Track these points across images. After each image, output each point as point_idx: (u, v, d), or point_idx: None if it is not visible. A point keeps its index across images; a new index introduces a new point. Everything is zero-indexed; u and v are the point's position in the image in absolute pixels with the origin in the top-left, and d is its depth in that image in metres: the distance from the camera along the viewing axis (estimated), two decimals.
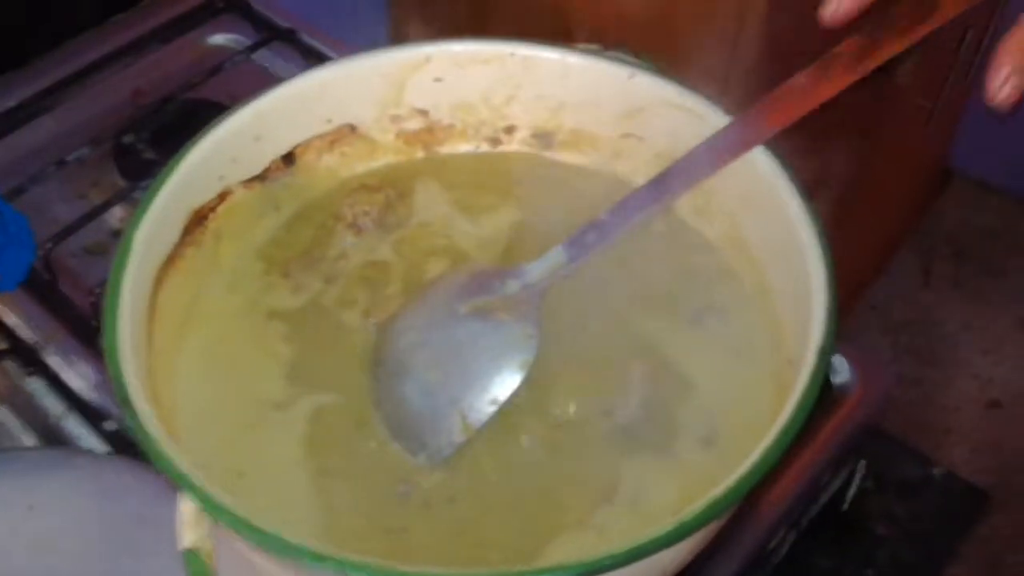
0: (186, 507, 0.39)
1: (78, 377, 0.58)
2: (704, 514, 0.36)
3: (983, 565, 1.16)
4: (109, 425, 0.56)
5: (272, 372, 0.48)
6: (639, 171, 0.54)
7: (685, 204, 0.53)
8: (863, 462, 0.59)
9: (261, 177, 0.53)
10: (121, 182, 0.68)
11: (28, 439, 0.56)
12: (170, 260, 0.48)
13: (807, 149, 0.50)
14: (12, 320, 0.61)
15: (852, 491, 0.59)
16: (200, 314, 0.49)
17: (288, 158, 0.54)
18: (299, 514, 0.43)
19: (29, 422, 0.56)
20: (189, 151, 0.49)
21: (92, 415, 0.57)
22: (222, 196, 0.51)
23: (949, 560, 0.60)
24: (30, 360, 0.59)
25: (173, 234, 0.48)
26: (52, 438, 0.56)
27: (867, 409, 0.55)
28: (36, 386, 0.58)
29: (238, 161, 0.51)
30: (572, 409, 0.46)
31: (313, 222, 0.54)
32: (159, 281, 0.47)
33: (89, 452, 0.55)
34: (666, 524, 0.36)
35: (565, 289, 0.50)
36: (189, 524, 0.39)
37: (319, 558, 0.36)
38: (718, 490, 0.37)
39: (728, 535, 0.50)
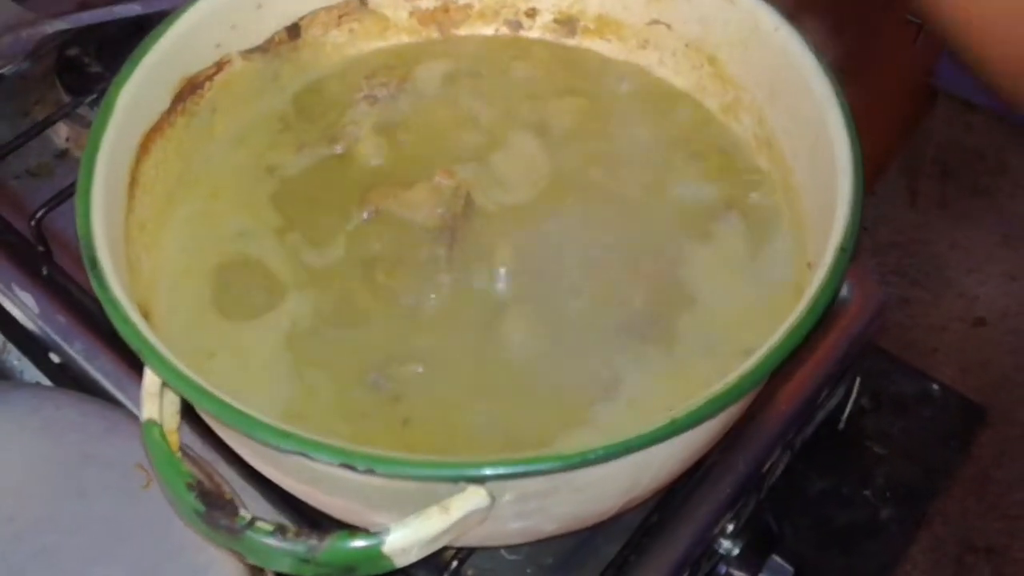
0: (148, 380, 0.37)
1: (20, 307, 0.53)
2: (702, 410, 0.33)
3: (969, 482, 1.18)
4: (54, 357, 0.52)
5: (261, 242, 0.45)
6: (665, 62, 0.51)
7: (714, 100, 0.49)
8: (858, 380, 0.56)
9: (263, 49, 0.50)
10: (66, 98, 0.61)
11: None
12: (157, 127, 0.45)
13: None
14: None
15: (848, 410, 0.56)
16: (190, 182, 0.47)
17: (293, 31, 0.51)
18: (266, 399, 0.40)
19: None
20: (183, 13, 0.46)
21: (35, 347, 0.53)
22: (219, 65, 0.48)
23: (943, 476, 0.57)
24: None
25: (162, 100, 0.46)
26: None
27: (863, 324, 0.52)
28: None
29: (237, 29, 0.48)
30: (575, 305, 0.43)
31: (321, 97, 0.51)
32: (143, 148, 0.44)
33: (30, 385, 0.52)
34: (659, 419, 0.33)
35: (584, 184, 0.47)
36: (149, 395, 0.36)
37: (280, 434, 0.33)
38: (716, 388, 0.34)
39: (723, 455, 0.47)
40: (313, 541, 0.33)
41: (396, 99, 0.51)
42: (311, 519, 0.45)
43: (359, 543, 0.33)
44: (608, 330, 0.42)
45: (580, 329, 0.43)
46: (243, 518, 0.34)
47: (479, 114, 0.51)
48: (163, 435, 0.36)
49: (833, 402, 0.56)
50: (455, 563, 0.44)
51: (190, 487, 0.35)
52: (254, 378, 0.42)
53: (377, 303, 0.44)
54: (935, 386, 0.63)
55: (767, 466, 0.48)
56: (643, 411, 0.39)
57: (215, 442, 0.46)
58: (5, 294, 0.54)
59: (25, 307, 0.54)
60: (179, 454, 0.36)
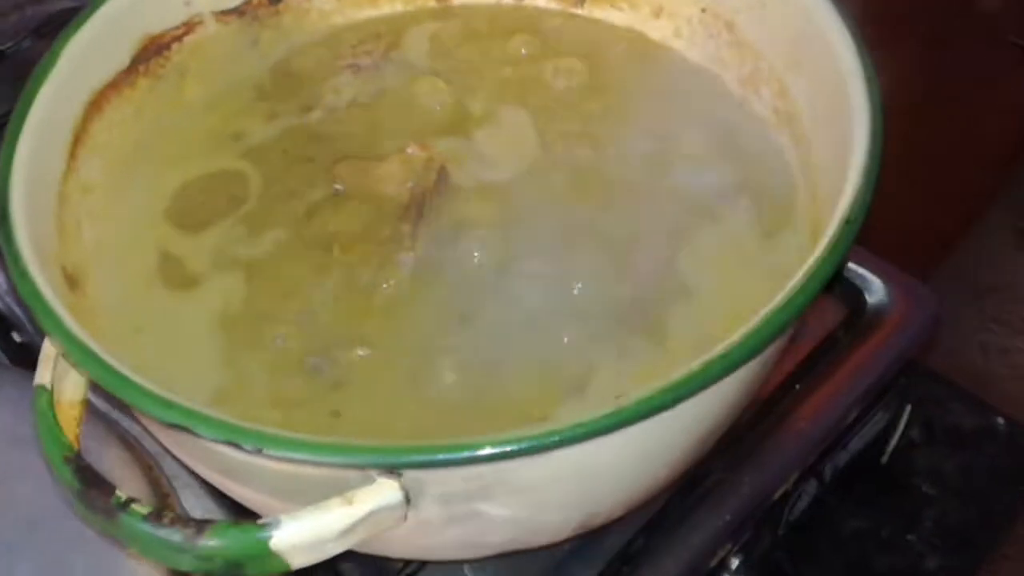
0: (47, 345, 0.33)
1: None
2: (653, 399, 0.27)
3: None
4: (17, 337, 0.49)
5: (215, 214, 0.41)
6: (681, 32, 0.45)
7: (731, 73, 0.44)
8: (908, 407, 0.48)
9: (239, 11, 0.46)
10: None
11: None
12: (113, 86, 0.42)
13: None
14: None
15: (894, 441, 0.48)
16: (149, 148, 0.43)
17: None
18: (192, 380, 0.36)
19: None
20: None
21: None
22: (189, 26, 0.45)
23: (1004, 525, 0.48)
24: None
25: (119, 58, 0.42)
26: None
27: (905, 338, 0.44)
28: None
29: None
30: (551, 293, 0.38)
31: (302, 66, 0.47)
32: (94, 107, 0.41)
33: None
34: (603, 407, 0.27)
35: (575, 164, 0.42)
36: (45, 360, 0.32)
37: (162, 404, 0.29)
38: (673, 375, 0.28)
39: (726, 475, 0.40)
40: (191, 530, 0.28)
41: (380, 69, 0.47)
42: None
43: (242, 534, 0.28)
44: (587, 320, 0.37)
45: (554, 320, 0.37)
46: (118, 498, 0.29)
47: (467, 87, 0.46)
48: (50, 403, 0.32)
49: (873, 430, 0.49)
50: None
51: (67, 461, 0.30)
52: (182, 358, 0.38)
53: (330, 282, 0.39)
54: (1000, 420, 0.55)
55: (780, 493, 0.41)
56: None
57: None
58: None
59: None
60: (70, 429, 0.32)
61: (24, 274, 0.33)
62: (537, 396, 0.35)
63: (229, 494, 0.35)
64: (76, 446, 0.31)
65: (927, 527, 0.51)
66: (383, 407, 0.36)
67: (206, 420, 0.28)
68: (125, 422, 0.42)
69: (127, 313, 0.39)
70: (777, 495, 0.42)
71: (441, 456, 0.27)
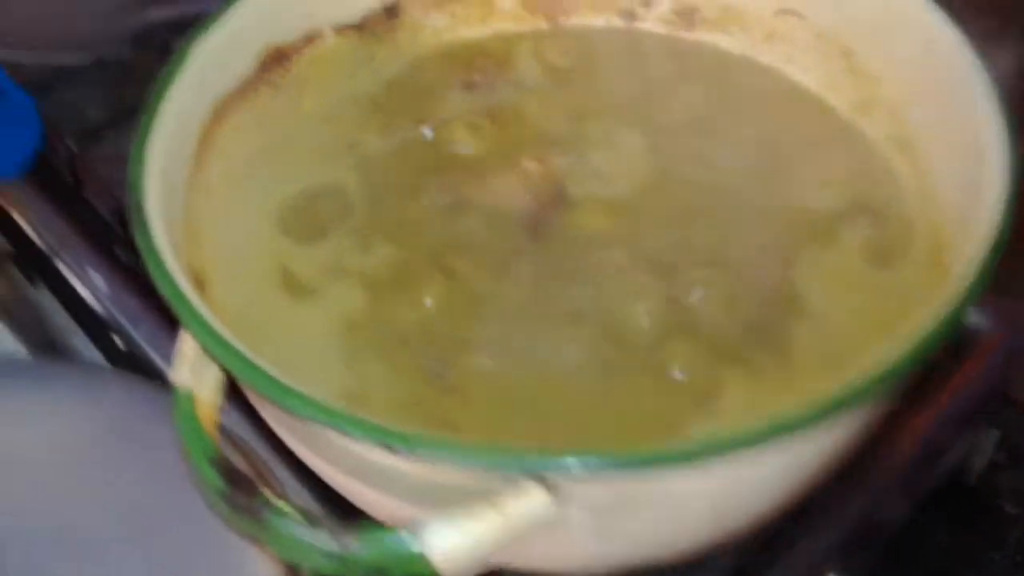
0: (186, 343, 0.33)
1: (90, 288, 0.51)
2: (816, 413, 0.27)
3: None
4: (119, 343, 0.50)
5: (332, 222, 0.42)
6: (793, 57, 0.45)
7: (843, 98, 0.44)
8: (995, 432, 0.48)
9: (358, 27, 0.47)
10: None
11: (22, 354, 0.51)
12: (239, 94, 0.43)
13: None
14: (24, 222, 0.53)
15: (980, 463, 0.48)
16: (268, 154, 0.44)
17: (391, 11, 0.48)
18: (316, 383, 0.36)
19: (29, 335, 0.51)
20: None
21: (99, 329, 0.50)
22: (309, 39, 0.46)
23: None
24: (38, 266, 0.53)
25: (244, 65, 0.43)
26: (50, 353, 0.51)
27: (1003, 363, 0.44)
28: (41, 295, 0.53)
29: (330, 1, 0.46)
30: (671, 307, 0.38)
31: (416, 81, 0.48)
32: (221, 112, 0.42)
33: (84, 365, 0.50)
34: (766, 419, 0.27)
35: (691, 182, 0.43)
36: (185, 360, 0.33)
37: (308, 403, 0.29)
38: (837, 388, 0.28)
39: (831, 496, 0.40)
40: (341, 533, 0.29)
41: (493, 87, 0.47)
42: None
43: (395, 539, 0.28)
44: (709, 336, 0.37)
45: (677, 332, 0.37)
46: (266, 499, 0.29)
47: (580, 107, 0.46)
48: (192, 403, 0.32)
49: (961, 451, 0.49)
50: None
51: (213, 463, 0.30)
52: (307, 362, 0.38)
53: (447, 291, 0.40)
54: None
55: (880, 513, 0.41)
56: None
57: (269, 437, 0.42)
58: (78, 274, 0.52)
59: (96, 288, 0.52)
60: (217, 434, 0.33)
61: (165, 274, 0.33)
62: (666, 410, 0.35)
63: (355, 500, 0.35)
64: (218, 447, 0.32)
65: (1011, 545, 0.51)
66: (504, 417, 0.36)
67: (356, 421, 0.29)
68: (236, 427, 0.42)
69: (250, 318, 0.39)
70: (879, 514, 0.42)
71: (612, 461, 0.27)
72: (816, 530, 0.39)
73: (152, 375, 0.48)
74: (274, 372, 0.31)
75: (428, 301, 0.39)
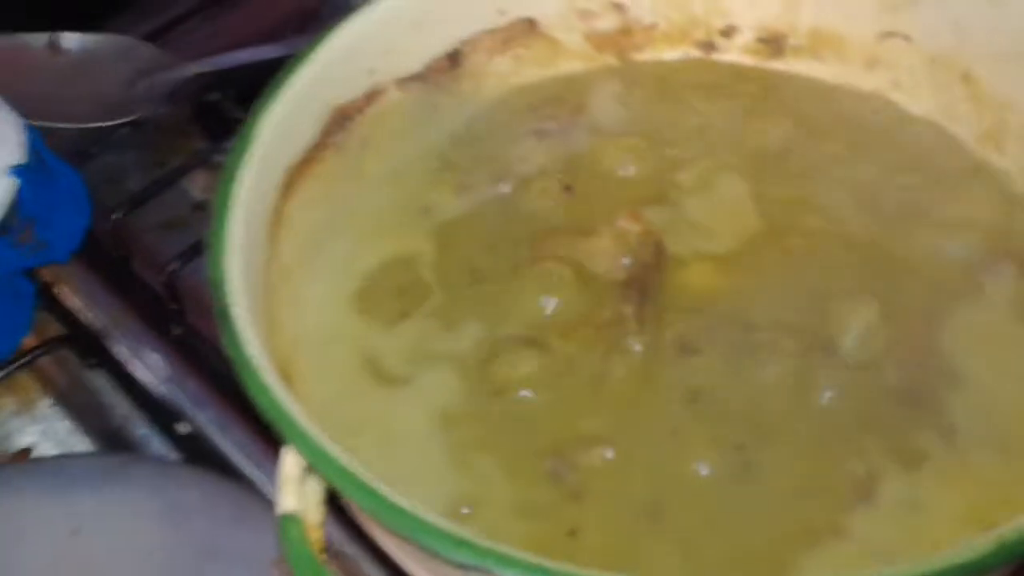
0: (288, 462, 0.30)
1: (148, 370, 0.48)
2: None
3: None
4: (183, 428, 0.47)
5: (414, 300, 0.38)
6: (901, 83, 0.42)
7: (966, 128, 0.40)
8: None
9: (421, 77, 0.43)
10: (203, 145, 0.57)
11: (85, 445, 0.47)
12: (305, 163, 0.39)
13: None
14: (73, 302, 0.50)
15: None
16: (336, 225, 0.40)
17: (453, 57, 0.44)
18: (422, 487, 0.33)
19: (88, 424, 0.48)
20: (332, 33, 0.40)
21: (162, 415, 0.47)
22: (371, 96, 0.42)
23: None
24: (92, 350, 0.49)
25: (310, 132, 0.39)
26: (114, 444, 0.47)
27: None
28: (98, 381, 0.49)
29: (392, 53, 0.42)
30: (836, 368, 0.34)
31: (484, 132, 0.44)
32: (289, 187, 0.38)
33: (152, 459, 0.46)
34: (984, 539, 0.24)
35: (801, 231, 0.39)
36: (290, 482, 0.29)
37: (458, 543, 0.25)
38: None
39: None
40: None
41: (568, 133, 0.44)
42: None
43: None
44: (854, 412, 0.33)
45: (817, 410, 0.34)
46: None
47: (666, 151, 0.43)
48: (304, 533, 0.29)
49: None
50: None
51: None
52: (408, 460, 0.34)
53: (551, 373, 0.36)
54: None
55: None
56: (919, 520, 0.30)
57: (358, 535, 0.39)
58: (134, 354, 0.49)
59: (154, 370, 0.48)
60: (324, 556, 0.29)
61: (263, 386, 0.29)
62: (817, 507, 0.31)
63: None
64: None
65: None
66: (629, 522, 0.33)
67: (513, 560, 0.25)
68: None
69: (339, 412, 0.36)
70: None
71: None
72: None
73: (220, 462, 0.45)
74: (382, 488, 0.27)
75: (529, 389, 0.36)
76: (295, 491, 0.29)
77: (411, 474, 0.34)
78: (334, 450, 0.28)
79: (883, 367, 0.34)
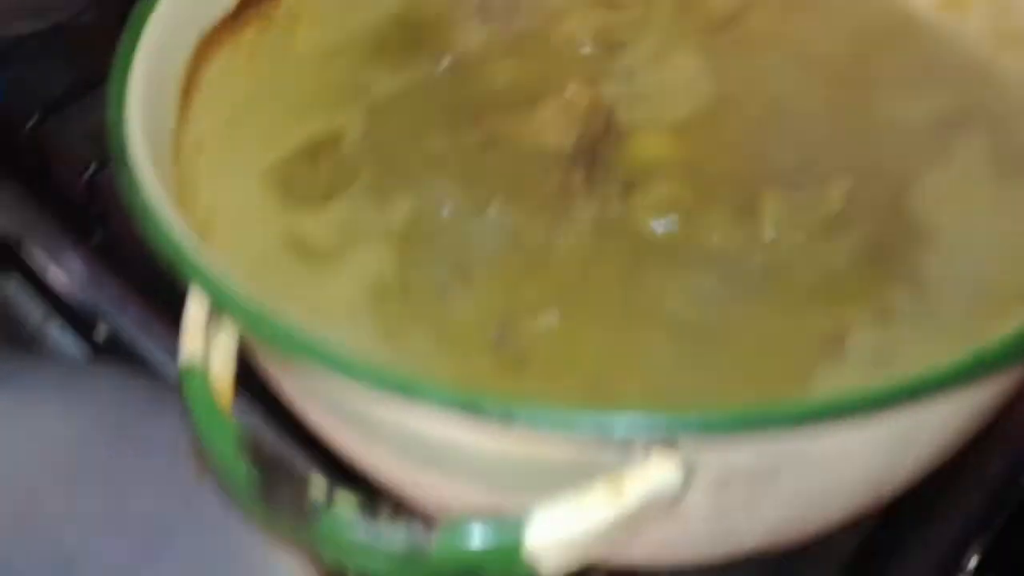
0: (193, 307, 0.27)
1: (67, 273, 0.45)
2: None
3: None
4: (101, 331, 0.43)
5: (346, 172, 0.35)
6: None
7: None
8: None
9: None
10: None
11: None
12: (225, 29, 0.36)
13: None
14: None
15: None
16: (263, 99, 0.37)
17: None
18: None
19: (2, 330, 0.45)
20: None
21: (81, 318, 0.44)
22: None
23: None
24: (6, 256, 0.46)
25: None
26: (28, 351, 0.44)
27: None
28: (12, 287, 0.46)
29: None
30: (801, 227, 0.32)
31: (426, 10, 0.41)
32: (206, 52, 0.35)
33: (67, 359, 0.43)
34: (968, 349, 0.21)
35: (762, 99, 0.36)
36: (193, 329, 0.26)
37: (368, 370, 0.22)
38: None
39: (973, 456, 0.34)
40: (421, 528, 0.22)
41: (516, 10, 0.41)
42: None
43: (491, 529, 0.22)
44: (825, 271, 0.31)
45: (784, 270, 0.31)
46: (316, 492, 0.23)
47: (619, 28, 0.40)
48: (205, 381, 0.25)
49: None
50: None
51: (241, 450, 0.24)
52: (336, 338, 0.32)
53: (495, 243, 0.33)
54: None
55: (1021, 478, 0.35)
56: (891, 370, 0.28)
57: (282, 427, 0.36)
58: (53, 259, 0.45)
59: (72, 275, 0.45)
60: (228, 408, 0.26)
61: (160, 225, 0.26)
62: (781, 364, 0.29)
63: (412, 493, 0.29)
64: (243, 430, 0.25)
65: None
66: (581, 384, 0.30)
67: (434, 385, 0.22)
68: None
69: (261, 287, 0.32)
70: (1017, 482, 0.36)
71: (771, 416, 0.21)
72: (954, 496, 0.33)
73: (138, 367, 0.42)
74: (316, 333, 0.24)
75: (475, 257, 0.33)
76: (199, 338, 0.26)
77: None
78: (237, 284, 0.25)
79: (849, 229, 0.32)
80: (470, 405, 0.21)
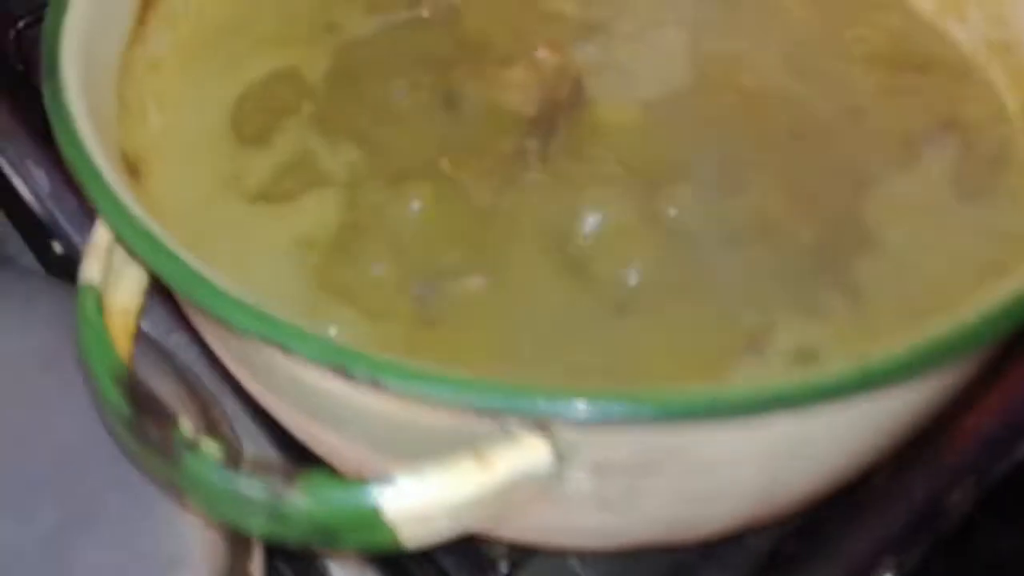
0: (100, 231, 0.26)
1: (30, 186, 0.44)
2: (910, 360, 0.20)
3: None
4: (57, 248, 0.43)
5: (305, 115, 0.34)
6: None
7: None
8: None
9: None
10: None
11: None
12: None
13: None
14: None
15: None
16: (227, 30, 0.36)
17: None
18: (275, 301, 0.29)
19: None
20: None
21: (39, 233, 0.43)
22: None
23: None
24: None
25: None
26: None
27: None
28: None
29: None
30: (710, 231, 0.31)
31: None
32: None
33: (26, 273, 0.42)
34: (842, 365, 0.20)
35: (735, 87, 0.35)
36: (94, 251, 0.26)
37: (244, 310, 0.22)
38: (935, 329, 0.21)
39: (895, 475, 0.33)
40: (277, 480, 0.22)
41: None
42: None
43: (346, 490, 0.21)
44: (759, 267, 0.30)
45: (716, 262, 0.30)
46: (182, 432, 0.22)
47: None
48: (99, 305, 0.25)
49: None
50: (505, 568, 0.32)
51: (118, 380, 0.24)
52: (264, 277, 0.31)
53: (439, 201, 0.33)
54: None
55: (949, 500, 0.34)
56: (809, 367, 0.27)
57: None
58: (17, 170, 0.45)
59: (35, 185, 0.44)
60: (122, 342, 0.25)
61: (74, 140, 0.26)
62: (703, 349, 0.28)
63: (309, 442, 0.28)
64: (128, 363, 0.25)
65: None
66: (496, 355, 0.29)
67: (307, 337, 0.22)
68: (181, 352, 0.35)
69: (194, 221, 0.32)
70: (945, 503, 0.35)
71: (636, 407, 0.20)
72: (870, 513, 0.32)
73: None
74: (207, 271, 0.24)
75: (413, 208, 0.32)
76: (99, 262, 0.26)
77: (264, 290, 0.30)
78: (143, 216, 0.25)
79: (795, 226, 0.31)
80: (339, 365, 0.21)
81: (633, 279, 0.29)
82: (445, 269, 0.31)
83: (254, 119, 0.35)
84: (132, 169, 0.31)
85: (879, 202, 0.31)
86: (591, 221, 0.31)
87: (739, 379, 0.27)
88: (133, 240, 0.24)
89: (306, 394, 0.24)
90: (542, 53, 0.35)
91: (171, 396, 0.31)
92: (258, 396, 0.29)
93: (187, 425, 0.22)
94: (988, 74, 0.34)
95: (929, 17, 0.36)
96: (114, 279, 0.26)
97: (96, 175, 0.25)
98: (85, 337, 0.24)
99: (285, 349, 0.22)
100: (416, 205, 0.32)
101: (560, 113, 0.35)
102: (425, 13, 0.38)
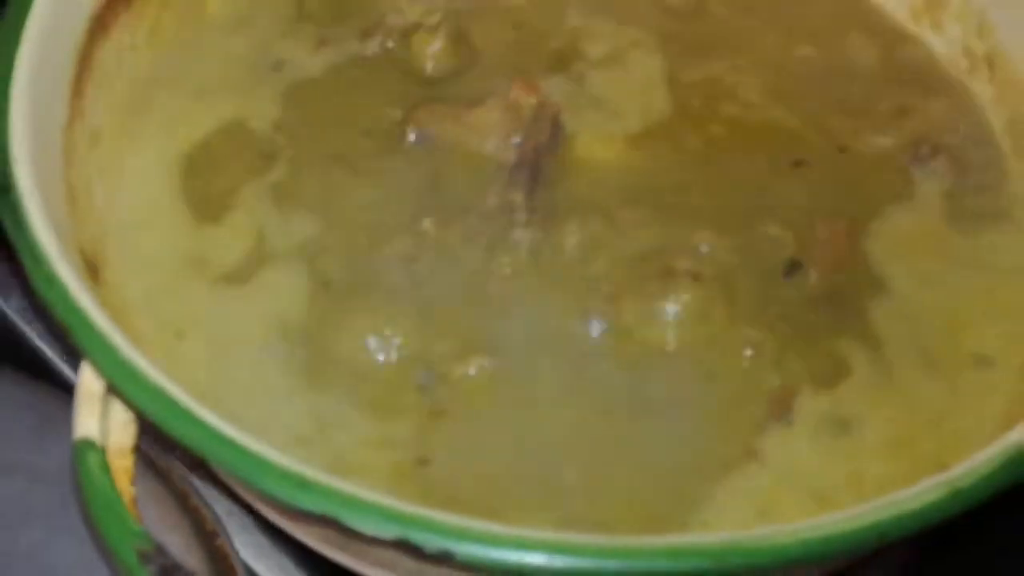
0: (87, 376, 0.24)
1: None
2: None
3: None
4: None
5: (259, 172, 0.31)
6: None
7: (901, 6, 0.36)
8: None
9: None
10: None
11: None
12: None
13: None
14: None
15: None
16: (167, 80, 0.33)
17: None
18: (258, 408, 0.27)
19: None
20: None
21: None
22: None
23: None
24: None
25: None
26: None
27: None
28: None
29: None
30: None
31: None
32: (99, 26, 0.30)
33: None
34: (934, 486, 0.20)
35: (719, 116, 0.34)
36: (87, 400, 0.23)
37: (301, 485, 0.20)
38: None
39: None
40: None
41: None
42: None
43: None
44: (767, 320, 0.29)
45: (726, 316, 0.29)
46: None
47: (574, 17, 0.36)
48: (105, 465, 0.23)
49: None
50: None
51: (144, 558, 0.21)
52: (243, 372, 0.28)
53: (425, 268, 0.30)
54: None
55: None
56: (842, 443, 0.26)
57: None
58: None
59: None
60: (131, 491, 0.23)
61: (51, 280, 0.23)
62: (726, 430, 0.27)
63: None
64: (142, 521, 0.22)
65: None
66: (520, 436, 0.28)
67: (371, 507, 0.20)
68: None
69: (158, 311, 0.29)
70: None
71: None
72: None
73: (28, 363, 0.38)
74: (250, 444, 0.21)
75: (399, 285, 0.30)
76: (94, 412, 0.23)
77: (248, 390, 0.28)
78: (144, 366, 0.22)
79: (802, 272, 0.30)
80: (405, 539, 0.19)
81: (640, 356, 0.28)
82: (445, 350, 0.28)
83: (205, 189, 0.31)
84: (91, 267, 0.28)
85: (879, 238, 0.31)
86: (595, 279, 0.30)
87: (770, 456, 0.26)
88: (152, 407, 0.22)
89: (354, 546, 0.23)
90: (517, 92, 0.33)
91: (176, 532, 0.28)
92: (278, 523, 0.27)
93: None
94: (971, 85, 0.34)
95: (911, 30, 0.35)
96: (106, 422, 0.24)
97: (89, 325, 0.22)
98: (94, 505, 0.22)
99: (342, 524, 0.20)
100: (401, 278, 0.30)
101: (542, 156, 0.33)
102: (375, 48, 0.35)
